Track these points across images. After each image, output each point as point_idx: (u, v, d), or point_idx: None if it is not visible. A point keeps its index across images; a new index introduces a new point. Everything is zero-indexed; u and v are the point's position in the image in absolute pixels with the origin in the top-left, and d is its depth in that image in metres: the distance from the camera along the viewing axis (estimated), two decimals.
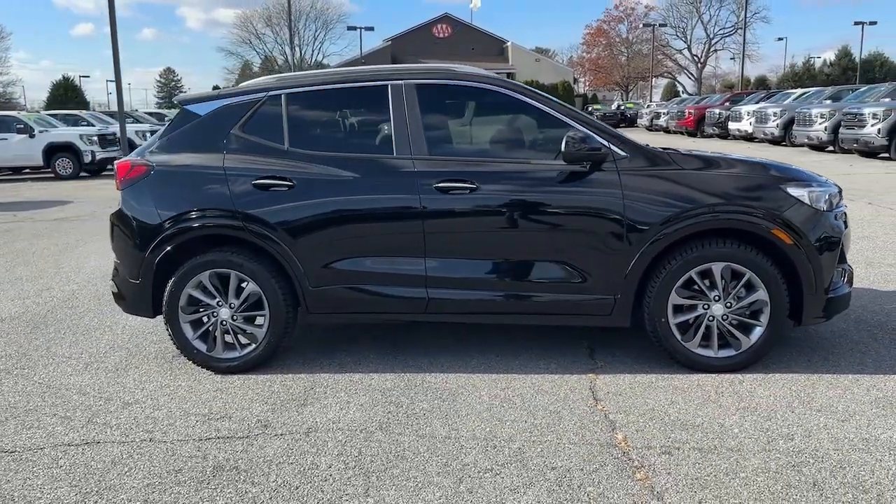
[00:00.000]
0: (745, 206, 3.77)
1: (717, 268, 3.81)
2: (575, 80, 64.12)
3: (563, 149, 3.75)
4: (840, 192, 4.08)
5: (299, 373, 4.13)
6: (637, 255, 3.81)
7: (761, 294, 3.81)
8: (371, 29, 52.53)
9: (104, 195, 13.79)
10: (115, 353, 4.59)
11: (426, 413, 3.51)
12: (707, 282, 3.86)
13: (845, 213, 4.09)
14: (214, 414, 3.60)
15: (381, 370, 4.12)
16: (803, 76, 58.23)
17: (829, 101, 22.12)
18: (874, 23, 52.74)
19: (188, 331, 4.14)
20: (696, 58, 64.02)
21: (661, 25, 58.90)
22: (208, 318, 4.14)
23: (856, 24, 51.66)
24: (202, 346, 4.15)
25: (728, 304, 3.85)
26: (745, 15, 38.13)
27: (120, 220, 4.19)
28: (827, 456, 2.96)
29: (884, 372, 3.86)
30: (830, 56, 62.02)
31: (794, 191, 3.84)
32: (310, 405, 3.67)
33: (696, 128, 29.76)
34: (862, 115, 17.65)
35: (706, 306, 3.87)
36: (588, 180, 3.85)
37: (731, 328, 3.87)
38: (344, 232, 3.99)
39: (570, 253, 3.89)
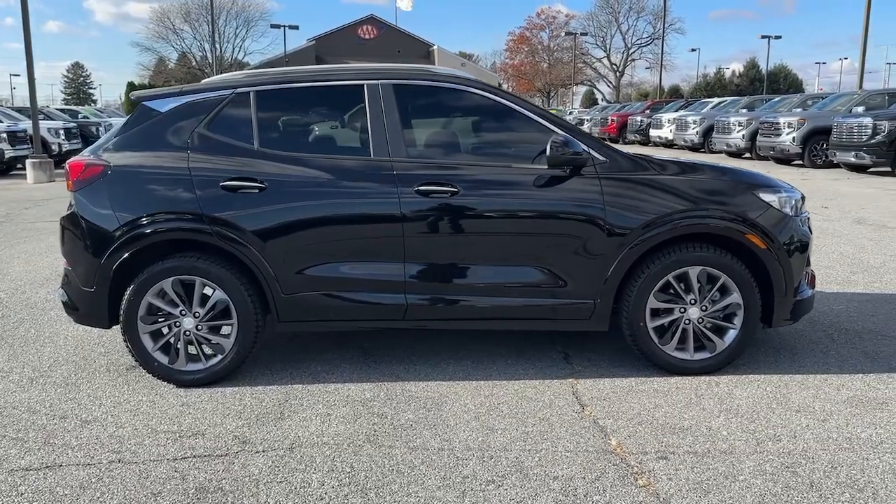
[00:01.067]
0: (721, 211, 3.84)
1: (693, 272, 3.87)
2: (500, 86, 64.97)
3: (547, 153, 3.72)
4: (803, 197, 4.22)
5: (269, 384, 3.93)
6: (617, 260, 3.81)
7: (735, 297, 3.89)
8: (296, 28, 51.62)
9: (15, 196, 12.97)
10: (61, 367, 4.26)
11: (413, 424, 3.40)
12: (683, 285, 3.90)
13: (808, 218, 4.22)
14: (185, 431, 3.38)
15: (356, 379, 3.98)
16: (714, 86, 60.87)
17: (745, 111, 23.18)
18: (779, 37, 55.75)
19: (148, 342, 3.89)
20: (614, 66, 65.99)
21: (582, 34, 60.35)
22: (170, 328, 3.90)
23: (762, 37, 54.36)
24: (163, 359, 3.90)
25: (703, 308, 3.91)
26: (664, 26, 39.45)
27: (72, 224, 3.89)
28: (817, 457, 3.03)
29: (848, 371, 4.00)
30: (739, 67, 65.13)
31: (765, 196, 3.94)
32: (288, 419, 3.49)
33: (618, 134, 30.57)
34: (777, 124, 18.56)
35: (682, 310, 3.92)
36: (569, 185, 3.83)
37: (706, 331, 3.93)
38: (319, 236, 3.83)
39: (550, 257, 3.86)
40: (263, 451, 3.16)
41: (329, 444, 3.22)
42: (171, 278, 3.82)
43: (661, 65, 42.28)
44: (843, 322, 4.91)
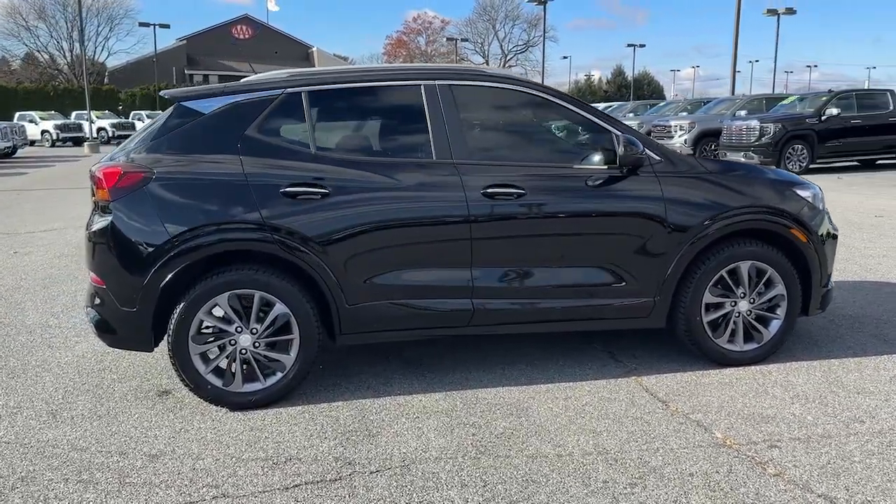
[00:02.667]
0: (769, 207, 4.02)
1: (744, 266, 4.02)
2: None
3: (620, 152, 3.75)
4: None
5: (332, 401, 3.71)
6: (677, 257, 3.91)
7: (780, 289, 4.08)
8: (167, 26, 49.02)
9: None
10: (77, 398, 3.82)
11: (514, 432, 3.32)
12: (734, 280, 4.05)
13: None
14: (276, 457, 3.12)
15: (419, 390, 3.83)
16: (585, 92, 63.78)
17: (631, 115, 24.47)
18: (643, 45, 59.19)
19: (199, 363, 3.56)
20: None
21: (463, 40, 61.40)
22: (224, 347, 3.59)
23: (628, 45, 57.59)
24: (217, 381, 3.59)
25: (752, 300, 4.08)
26: (544, 33, 40.88)
27: (108, 237, 3.49)
28: None
29: (873, 354, 4.29)
30: (603, 74, 68.70)
31: (801, 192, 4.17)
32: (379, 435, 3.31)
33: None
34: (669, 126, 19.74)
35: (734, 303, 4.07)
36: (628, 184, 3.88)
37: (754, 322, 4.11)
38: (385, 243, 3.66)
39: (613, 257, 3.90)
40: (378, 472, 2.98)
41: (441, 458, 3.08)
42: (228, 293, 3.52)
43: (544, 70, 43.80)
44: (839, 309, 5.27)
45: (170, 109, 3.70)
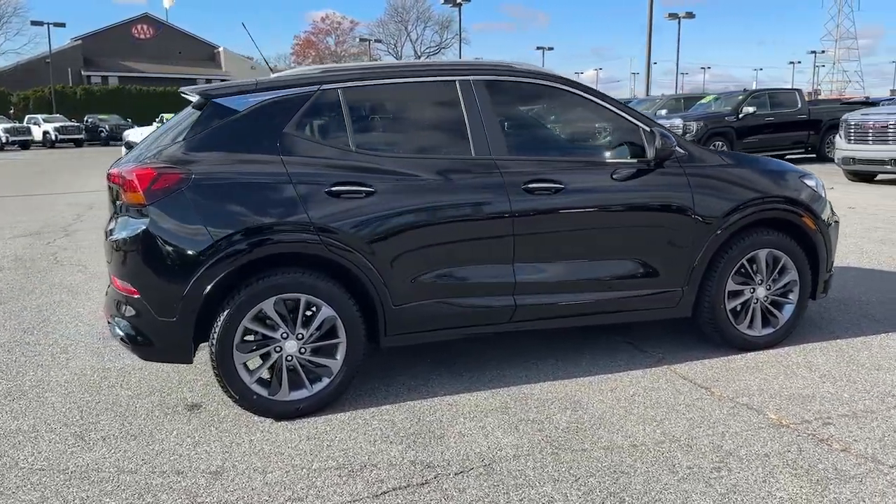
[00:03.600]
0: (784, 197, 4.20)
1: (762, 254, 4.19)
2: None
3: (658, 145, 3.82)
4: None
5: (381, 405, 3.62)
6: (705, 247, 4.02)
7: (793, 275, 4.28)
8: (62, 25, 46.20)
9: None
10: (99, 417, 3.56)
11: (579, 425, 3.33)
12: (753, 267, 4.21)
13: None
14: (349, 464, 3.01)
15: (463, 390, 3.78)
16: None
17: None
18: (551, 48, 60.66)
19: (244, 373, 3.39)
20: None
21: (376, 41, 61.06)
22: (269, 354, 3.44)
23: (537, 48, 58.92)
24: (262, 390, 3.43)
25: (768, 287, 4.26)
26: (461, 35, 41.20)
27: (144, 243, 3.27)
28: None
29: (870, 333, 4.55)
30: None
31: (808, 182, 4.38)
32: (445, 437, 3.25)
33: None
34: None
35: (752, 290, 4.23)
36: (657, 177, 3.96)
37: (770, 308, 4.28)
38: (431, 241, 3.60)
39: (645, 248, 3.97)
40: (462, 473, 2.92)
41: (519, 455, 3.05)
42: (274, 298, 3.37)
43: None
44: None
45: (205, 107, 3.49)
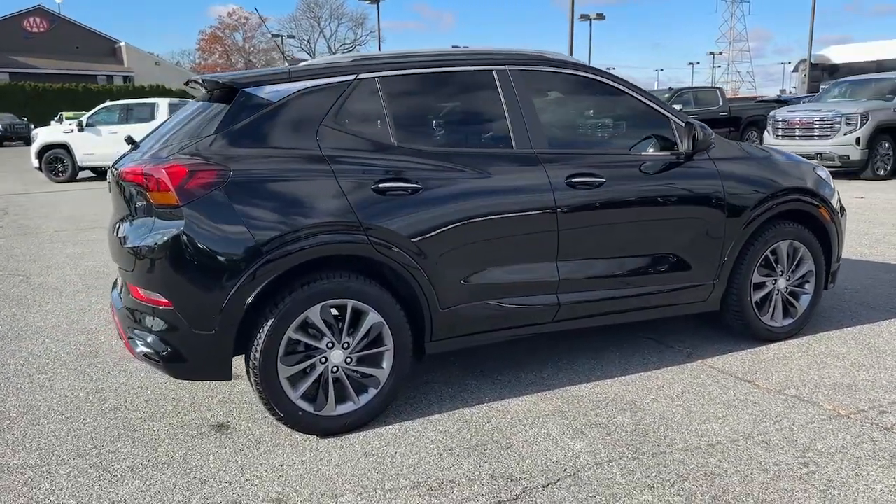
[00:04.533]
0: (804, 189, 4.24)
1: (784, 245, 4.22)
2: None
3: (700, 137, 3.76)
4: None
5: (428, 415, 3.40)
6: (734, 240, 4.01)
7: (810, 265, 4.33)
8: None
9: None
10: (114, 444, 3.19)
11: (643, 427, 3.21)
12: (775, 259, 4.23)
13: None
14: (425, 482, 2.79)
15: (508, 395, 3.61)
16: None
17: None
18: (467, 47, 61.02)
19: (288, 388, 3.10)
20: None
21: (289, 37, 59.59)
22: (314, 366, 3.16)
23: (453, 47, 59.03)
24: (308, 406, 3.15)
25: (788, 278, 4.29)
26: (379, 33, 40.72)
27: (179, 249, 2.92)
28: None
29: (872, 321, 4.66)
30: None
31: (821, 173, 4.45)
32: (513, 446, 3.07)
33: None
34: None
35: (774, 281, 4.25)
36: (689, 169, 3.91)
37: (790, 298, 4.32)
38: (479, 239, 3.40)
39: (681, 242, 3.91)
40: (551, 484, 2.75)
41: (601, 462, 2.91)
42: (320, 305, 3.09)
43: None
44: None
45: (235, 98, 3.17)
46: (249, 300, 2.96)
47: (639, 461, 2.91)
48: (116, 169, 3.38)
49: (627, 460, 2.92)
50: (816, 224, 4.34)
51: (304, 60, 3.76)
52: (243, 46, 73.41)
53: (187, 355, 3.00)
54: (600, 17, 49.47)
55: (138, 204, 3.10)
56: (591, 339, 4.34)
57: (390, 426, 3.29)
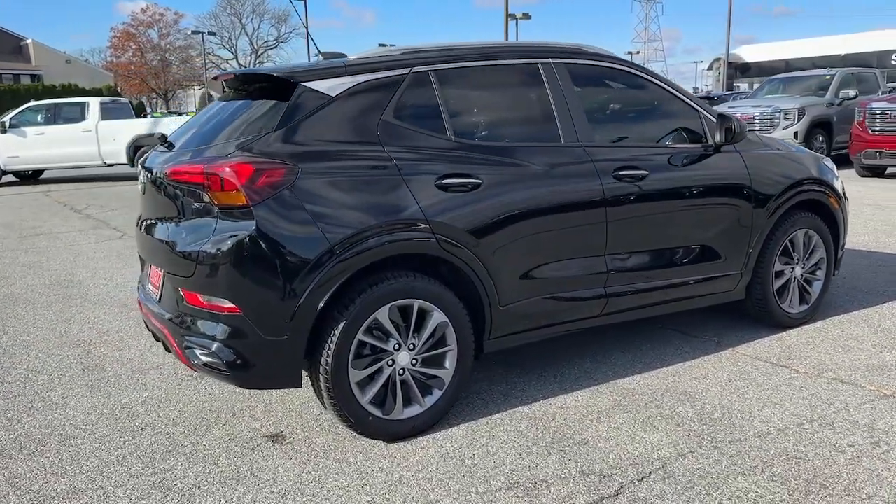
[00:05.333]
0: (817, 179, 4.39)
1: (800, 234, 4.36)
2: (117, 86, 58.64)
3: (736, 130, 3.83)
4: None
5: (486, 415, 3.33)
6: (760, 229, 4.11)
7: (821, 252, 4.49)
8: None
9: None
10: (169, 463, 2.99)
11: (709, 417, 3.24)
12: (793, 247, 4.37)
13: None
14: (518, 483, 2.73)
15: (560, 391, 3.59)
16: None
17: None
18: (394, 45, 60.86)
19: (358, 392, 2.99)
20: (243, 69, 64.57)
21: (210, 34, 57.80)
22: (382, 369, 3.05)
23: (380, 45, 58.72)
24: (377, 411, 3.04)
25: (803, 266, 4.44)
26: (307, 27, 39.96)
27: (252, 252, 2.76)
28: None
29: (873, 304, 4.87)
30: None
31: (828, 163, 4.62)
32: (588, 442, 3.04)
33: None
34: None
35: (791, 269, 4.39)
36: (718, 161, 3.98)
37: (805, 285, 4.47)
38: (536, 233, 3.36)
39: (714, 233, 3.98)
40: (644, 478, 2.74)
41: (685, 453, 2.91)
42: (388, 305, 2.99)
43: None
44: None
45: (293, 92, 3.01)
46: (322, 304, 2.83)
47: (720, 450, 2.93)
48: (151, 168, 3.19)
49: (709, 450, 2.94)
50: (827, 212, 4.49)
51: (338, 53, 3.61)
52: (159, 44, 70.87)
53: (257, 363, 2.84)
54: (526, 16, 50.18)
55: (195, 205, 2.92)
56: (618, 333, 4.35)
57: (455, 427, 3.21)
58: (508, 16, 50.21)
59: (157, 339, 3.34)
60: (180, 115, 30.96)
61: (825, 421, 3.16)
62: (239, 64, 65.03)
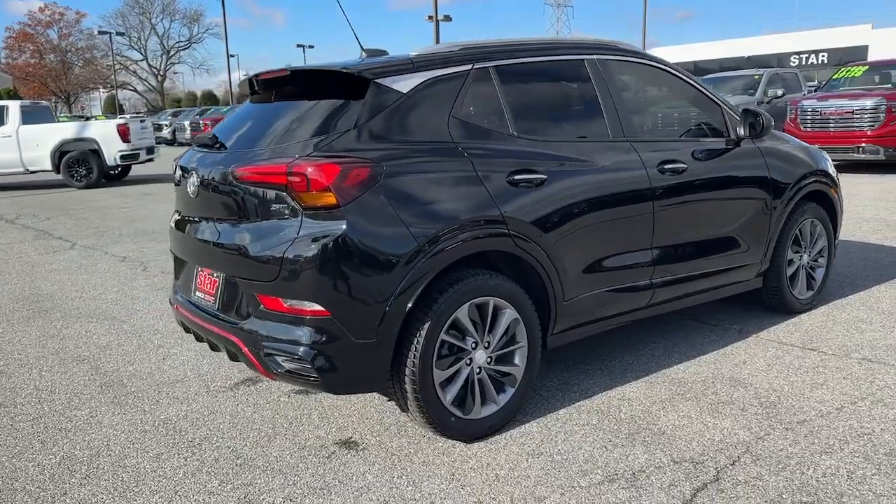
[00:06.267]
0: (822, 171, 4.61)
1: (807, 224, 4.57)
2: (15, 89, 55.30)
3: (765, 124, 3.97)
4: None
5: (553, 410, 3.34)
6: (777, 219, 4.29)
7: (824, 241, 4.73)
8: None
9: None
10: (245, 476, 2.86)
11: (767, 401, 3.34)
12: (801, 236, 4.57)
13: None
14: (617, 475, 2.75)
15: (613, 384, 3.63)
16: None
17: None
18: (312, 46, 60.03)
19: (441, 394, 2.94)
20: (155, 70, 62.03)
21: (118, 34, 55.32)
22: (460, 369, 3.01)
23: (297, 46, 57.93)
24: (458, 411, 3.00)
25: (809, 253, 4.66)
26: (226, 27, 38.86)
27: (344, 253, 2.66)
28: None
29: (861, 288, 5.17)
30: None
31: (826, 155, 4.86)
32: (665, 432, 3.08)
33: None
34: None
35: (800, 257, 4.60)
36: (744, 153, 4.13)
37: (811, 272, 4.69)
38: (595, 228, 3.40)
39: (742, 223, 4.11)
40: (736, 462, 2.81)
41: (762, 436, 3.00)
42: (468, 304, 2.95)
43: (229, 68, 41.73)
44: None
45: (369, 89, 2.92)
46: (410, 304, 2.77)
47: (793, 431, 3.04)
48: (199, 169, 3.06)
49: (782, 431, 3.04)
50: (828, 202, 4.73)
51: (380, 51, 3.53)
52: (59, 44, 67.47)
53: (345, 367, 2.74)
54: (447, 18, 50.44)
55: (273, 206, 2.79)
56: (644, 327, 4.44)
57: (527, 424, 3.20)
58: (429, 17, 50.40)
59: (215, 348, 3.18)
60: (88, 119, 29.33)
61: (875, 398, 3.32)
62: (149, 65, 62.47)
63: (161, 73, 60.78)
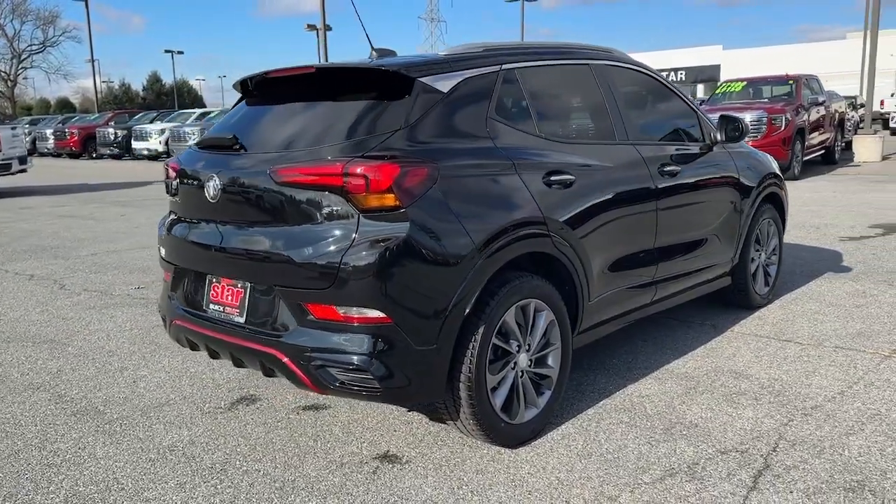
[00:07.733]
0: (776, 173, 4.94)
1: (764, 224, 4.88)
2: None
3: (743, 129, 4.19)
4: None
5: (581, 411, 3.35)
6: (746, 218, 4.55)
7: (776, 240, 5.06)
8: None
9: None
10: (292, 498, 2.67)
11: (777, 390, 3.50)
12: (760, 236, 4.87)
13: None
14: (676, 469, 2.78)
15: (623, 383, 3.69)
16: (123, 99, 59.06)
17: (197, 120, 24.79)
18: (181, 52, 57.49)
19: (492, 398, 2.88)
20: (4, 75, 56.83)
21: None
22: (507, 373, 2.96)
23: (166, 51, 55.28)
24: (505, 416, 2.94)
25: (765, 252, 4.97)
26: (90, 31, 36.29)
27: (406, 257, 2.54)
28: None
29: (819, 275, 5.57)
30: (142, 81, 64.54)
31: (773, 159, 5.20)
32: (699, 424, 3.16)
33: (83, 149, 27.74)
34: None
35: (759, 255, 4.90)
36: (719, 157, 4.36)
37: (767, 269, 5.01)
38: (617, 228, 3.46)
39: (721, 223, 4.32)
40: (776, 451, 2.92)
41: (790, 423, 3.14)
42: (514, 307, 2.91)
43: (95, 73, 39.02)
44: None
45: (412, 89, 2.80)
46: (468, 308, 2.68)
47: (811, 416, 3.21)
48: (220, 171, 2.86)
49: (803, 416, 3.20)
50: (779, 203, 5.07)
51: (389, 51, 3.42)
52: None
53: (405, 376, 2.60)
54: (328, 27, 49.82)
55: (323, 209, 2.61)
56: (626, 327, 4.53)
57: (563, 426, 3.19)
58: (309, 27, 49.61)
59: (239, 365, 2.94)
60: None
61: (868, 381, 3.58)
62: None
63: (11, 78, 55.88)
